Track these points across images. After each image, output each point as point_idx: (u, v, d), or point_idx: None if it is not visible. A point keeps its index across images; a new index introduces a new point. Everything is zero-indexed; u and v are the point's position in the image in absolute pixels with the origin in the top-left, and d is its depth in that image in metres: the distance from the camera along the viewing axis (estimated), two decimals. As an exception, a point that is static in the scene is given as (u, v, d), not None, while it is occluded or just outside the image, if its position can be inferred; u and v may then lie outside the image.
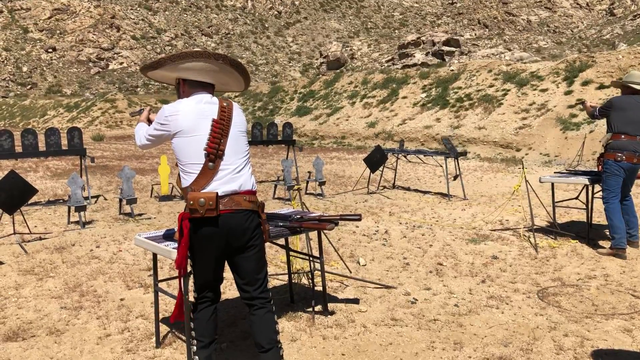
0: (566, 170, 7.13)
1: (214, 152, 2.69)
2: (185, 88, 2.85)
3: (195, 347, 2.86)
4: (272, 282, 4.83)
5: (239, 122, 2.84)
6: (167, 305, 4.22)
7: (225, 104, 2.80)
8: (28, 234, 6.79)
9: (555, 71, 18.81)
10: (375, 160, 9.81)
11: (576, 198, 6.94)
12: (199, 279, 2.86)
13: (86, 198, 8.26)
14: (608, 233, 5.81)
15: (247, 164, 2.84)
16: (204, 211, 2.62)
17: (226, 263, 2.87)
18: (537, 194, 6.91)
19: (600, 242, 6.01)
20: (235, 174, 2.75)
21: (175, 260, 2.79)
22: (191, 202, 2.63)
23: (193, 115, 2.71)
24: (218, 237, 2.69)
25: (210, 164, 2.69)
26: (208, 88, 2.87)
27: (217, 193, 2.64)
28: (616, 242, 5.46)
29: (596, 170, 6.13)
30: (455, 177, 9.48)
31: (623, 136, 5.46)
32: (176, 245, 3.17)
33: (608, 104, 5.68)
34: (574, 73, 17.98)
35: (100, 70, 77.28)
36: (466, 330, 3.73)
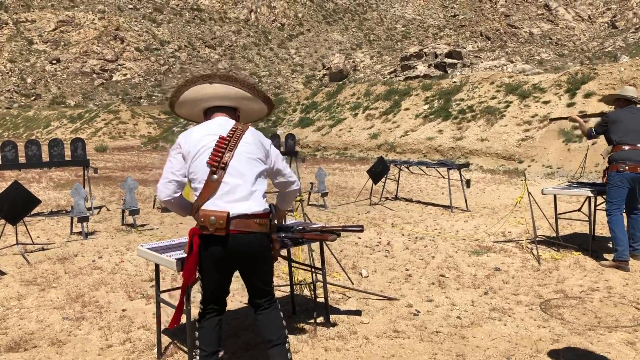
0: (569, 182, 7.12)
1: (216, 165, 2.72)
2: (207, 117, 3.00)
3: (197, 357, 2.87)
4: (275, 294, 4.82)
5: (250, 143, 2.83)
6: (169, 316, 4.21)
7: (238, 127, 2.85)
8: (31, 244, 6.80)
9: (557, 83, 18.86)
10: (378, 171, 9.82)
11: (579, 210, 6.93)
12: (207, 293, 2.90)
13: (89, 209, 8.29)
14: (611, 245, 5.79)
15: (259, 186, 2.82)
16: (214, 229, 2.64)
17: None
18: (539, 206, 6.90)
19: (603, 255, 5.99)
20: (244, 197, 2.74)
21: (183, 274, 2.85)
22: (202, 219, 2.66)
23: (202, 135, 2.80)
24: (226, 255, 2.72)
25: (214, 176, 2.71)
26: (226, 112, 2.97)
27: (228, 213, 2.66)
28: (619, 254, 5.44)
29: (598, 182, 6.12)
30: (467, 184, 9.49)
31: (624, 146, 5.46)
32: (180, 254, 3.22)
33: (605, 119, 5.68)
34: (576, 85, 18.02)
35: (104, 81, 77.74)
36: (468, 342, 3.72)
